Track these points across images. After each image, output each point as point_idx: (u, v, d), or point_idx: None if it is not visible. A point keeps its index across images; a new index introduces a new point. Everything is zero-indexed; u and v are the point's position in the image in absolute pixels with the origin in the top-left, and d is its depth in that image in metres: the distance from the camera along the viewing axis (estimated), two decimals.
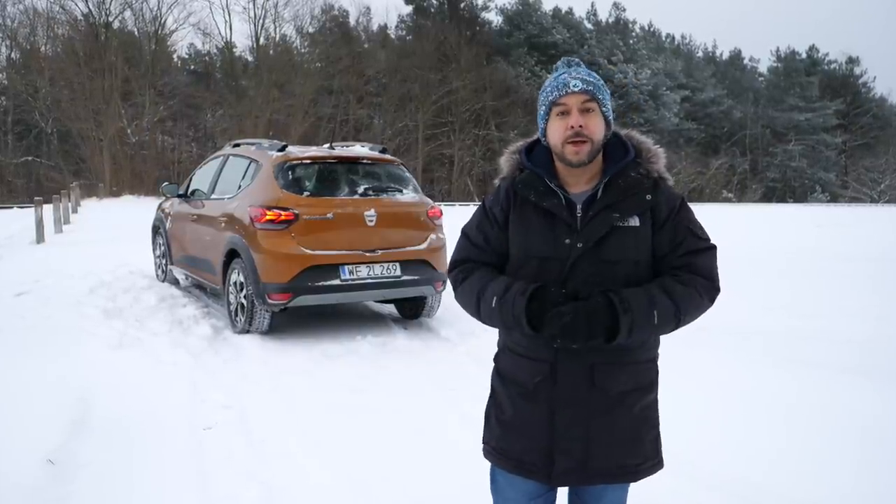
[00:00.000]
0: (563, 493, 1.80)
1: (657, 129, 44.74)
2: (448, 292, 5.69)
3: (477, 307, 1.64)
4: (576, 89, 1.55)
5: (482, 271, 1.67)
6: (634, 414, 1.61)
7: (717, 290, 1.61)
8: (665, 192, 1.61)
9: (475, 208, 1.81)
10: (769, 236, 16.26)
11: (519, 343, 1.64)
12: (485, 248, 1.70)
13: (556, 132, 1.58)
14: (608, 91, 1.63)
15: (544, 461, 1.61)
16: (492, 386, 1.75)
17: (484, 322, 1.67)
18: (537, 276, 1.57)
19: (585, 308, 1.47)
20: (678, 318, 1.54)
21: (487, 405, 1.76)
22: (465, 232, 1.75)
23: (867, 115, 54.26)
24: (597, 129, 1.57)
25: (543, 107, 1.61)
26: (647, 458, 1.64)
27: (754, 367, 4.51)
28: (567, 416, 1.58)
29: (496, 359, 1.75)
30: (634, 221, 1.57)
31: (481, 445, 1.76)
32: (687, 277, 1.56)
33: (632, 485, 1.72)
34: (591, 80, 1.58)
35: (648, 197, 1.58)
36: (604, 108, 1.58)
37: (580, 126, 1.54)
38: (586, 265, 1.54)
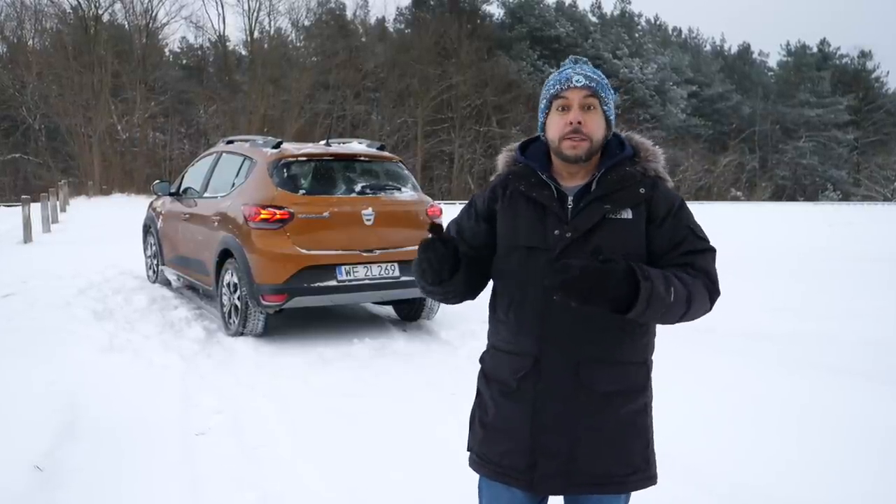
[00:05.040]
0: None
1: (663, 126, 44.48)
2: None
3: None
4: (578, 84, 1.55)
5: None
6: (620, 417, 1.56)
7: (717, 292, 1.57)
8: (663, 189, 1.60)
9: None
10: (779, 236, 16.25)
11: (504, 339, 1.63)
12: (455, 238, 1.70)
13: (554, 127, 1.58)
14: (612, 91, 1.64)
15: (526, 464, 1.56)
16: (477, 388, 1.73)
17: (427, 293, 1.69)
18: (523, 266, 1.56)
19: (599, 267, 1.38)
20: (688, 304, 1.49)
21: (472, 409, 1.74)
22: (448, 224, 1.79)
23: (880, 111, 52.90)
24: (596, 127, 1.56)
25: (544, 100, 1.61)
26: (636, 470, 1.58)
27: (765, 369, 4.47)
28: (551, 413, 1.54)
29: (482, 360, 1.74)
30: (627, 214, 1.55)
31: (466, 454, 1.72)
32: (693, 272, 1.54)
33: (633, 494, 1.65)
34: (595, 76, 1.58)
35: (642, 190, 1.56)
36: (605, 107, 1.58)
37: (579, 122, 1.54)
38: (573, 256, 1.49)
